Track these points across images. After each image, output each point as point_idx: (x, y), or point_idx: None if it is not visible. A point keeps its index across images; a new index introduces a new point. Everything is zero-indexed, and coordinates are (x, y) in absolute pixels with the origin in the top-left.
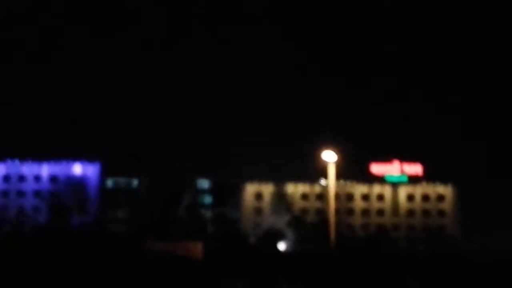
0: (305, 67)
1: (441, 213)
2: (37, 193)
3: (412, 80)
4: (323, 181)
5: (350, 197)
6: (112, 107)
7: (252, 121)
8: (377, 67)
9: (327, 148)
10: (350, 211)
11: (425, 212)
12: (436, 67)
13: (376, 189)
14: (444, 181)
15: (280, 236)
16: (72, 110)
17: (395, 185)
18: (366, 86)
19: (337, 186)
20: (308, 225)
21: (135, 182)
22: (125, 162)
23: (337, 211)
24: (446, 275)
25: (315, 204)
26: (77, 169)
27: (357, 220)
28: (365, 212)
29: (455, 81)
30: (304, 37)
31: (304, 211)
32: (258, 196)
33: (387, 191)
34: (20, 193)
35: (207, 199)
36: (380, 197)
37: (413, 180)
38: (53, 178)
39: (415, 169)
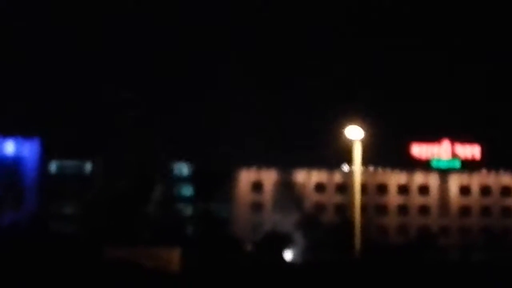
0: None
1: (507, 211)
2: None
3: (467, 37)
4: (345, 167)
5: (382, 188)
6: (57, 69)
7: (249, 88)
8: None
9: (351, 123)
10: (382, 208)
11: (485, 210)
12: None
13: (419, 178)
14: (510, 167)
15: (287, 242)
16: (2, 71)
17: (444, 173)
18: (405, 42)
19: (365, 173)
20: (325, 226)
21: (87, 167)
22: (74, 139)
23: (365, 207)
24: None
25: (334, 198)
26: (9, 147)
27: (392, 220)
28: (403, 209)
29: None
30: None
31: (319, 207)
32: (257, 186)
33: (433, 181)
34: None
35: (187, 190)
36: (424, 189)
37: (468, 166)
38: None
39: (472, 151)
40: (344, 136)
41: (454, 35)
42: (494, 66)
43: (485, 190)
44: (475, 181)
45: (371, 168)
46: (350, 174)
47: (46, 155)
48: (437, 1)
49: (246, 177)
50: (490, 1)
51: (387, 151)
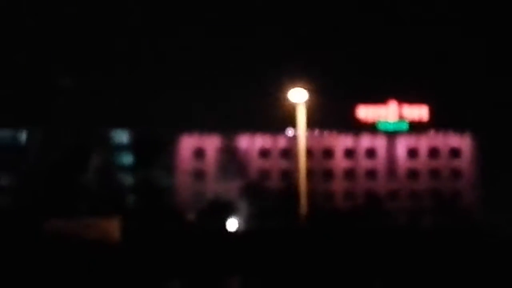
0: None
1: (455, 173)
2: None
3: None
4: (290, 131)
5: (328, 153)
6: None
7: (189, 49)
8: None
9: (295, 85)
10: (328, 173)
11: (433, 173)
12: None
13: (365, 141)
14: (458, 128)
15: (230, 210)
16: None
17: (391, 135)
18: (349, 2)
19: (310, 138)
20: (270, 193)
21: (22, 136)
22: (8, 108)
23: (310, 173)
24: (461, 259)
25: (279, 163)
26: None
27: (338, 185)
28: (350, 173)
29: None
30: None
31: (264, 173)
32: (199, 153)
33: (380, 143)
34: None
35: (126, 159)
36: (371, 153)
37: (416, 128)
38: None
39: (419, 112)
40: (288, 98)
41: None
42: (440, 26)
43: (434, 152)
44: (423, 143)
45: (316, 132)
46: (295, 139)
47: None
48: None
49: (187, 143)
50: None
51: (332, 113)
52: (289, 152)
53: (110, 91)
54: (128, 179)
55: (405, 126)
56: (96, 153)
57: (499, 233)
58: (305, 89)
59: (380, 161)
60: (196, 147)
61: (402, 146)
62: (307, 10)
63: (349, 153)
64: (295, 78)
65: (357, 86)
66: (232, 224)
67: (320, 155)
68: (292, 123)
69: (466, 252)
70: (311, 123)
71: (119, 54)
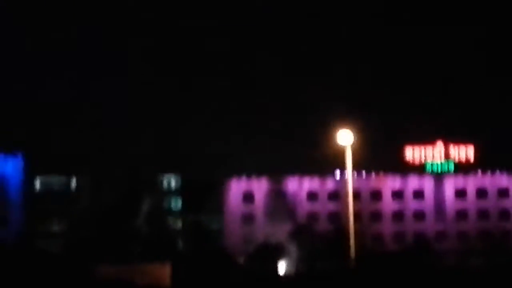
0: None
1: (505, 214)
2: None
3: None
4: (338, 174)
5: (376, 195)
6: (37, 81)
7: (236, 96)
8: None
9: (342, 127)
10: (377, 215)
11: (482, 214)
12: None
13: (413, 182)
14: (506, 168)
15: (280, 253)
16: None
17: (438, 176)
18: (394, 45)
19: (358, 179)
20: (318, 235)
21: (73, 182)
22: (59, 155)
23: (359, 215)
24: None
25: (328, 206)
26: None
27: (387, 227)
28: (398, 215)
29: None
30: None
31: (313, 216)
32: (248, 197)
33: (427, 185)
34: None
35: (176, 203)
36: (418, 194)
37: (463, 168)
38: None
39: (466, 152)
40: (336, 141)
41: (443, 33)
42: (487, 67)
43: (481, 193)
44: (471, 183)
45: (364, 174)
46: (342, 181)
47: (30, 172)
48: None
49: (236, 187)
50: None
51: (379, 155)
52: (337, 195)
53: (160, 136)
54: (177, 223)
55: (452, 167)
56: (146, 198)
57: None
58: (352, 131)
59: (428, 202)
60: (245, 191)
61: (449, 186)
62: (354, 53)
63: (397, 194)
64: (342, 120)
65: (404, 127)
66: (282, 267)
67: (368, 197)
68: (340, 166)
69: None
70: (359, 165)
71: (168, 99)
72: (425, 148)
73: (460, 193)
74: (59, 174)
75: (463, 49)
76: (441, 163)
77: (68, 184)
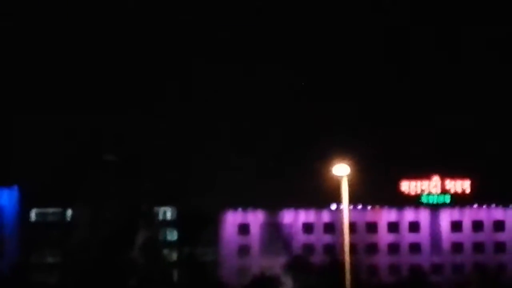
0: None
1: (500, 247)
2: None
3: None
4: (333, 206)
5: (372, 227)
6: (32, 111)
7: (230, 127)
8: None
9: (337, 160)
10: (373, 248)
11: (478, 246)
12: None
13: (409, 215)
14: (502, 201)
15: (275, 285)
16: None
17: (434, 208)
18: (388, 77)
19: (354, 212)
20: (314, 268)
21: (69, 214)
22: (54, 186)
23: (354, 247)
24: None
25: (323, 238)
26: None
27: (382, 259)
28: (394, 248)
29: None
30: None
31: (308, 248)
32: (243, 229)
33: (423, 217)
34: None
35: (172, 235)
36: (414, 227)
37: (459, 201)
38: None
39: (462, 185)
40: (331, 173)
41: (437, 66)
42: (482, 99)
43: (478, 225)
44: (467, 216)
45: (360, 206)
46: (338, 213)
47: (25, 203)
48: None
49: (232, 219)
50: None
51: (376, 188)
52: (333, 227)
53: (156, 168)
54: (173, 255)
55: (448, 199)
56: (142, 230)
57: None
58: (349, 163)
59: (424, 234)
60: (241, 223)
61: (445, 219)
62: (348, 85)
63: (393, 227)
64: (338, 154)
65: (400, 160)
66: None
67: (364, 229)
68: (336, 198)
69: None
70: (355, 198)
71: (162, 130)
72: (421, 181)
73: (456, 226)
74: (54, 206)
75: (457, 82)
76: (437, 196)
77: (63, 215)
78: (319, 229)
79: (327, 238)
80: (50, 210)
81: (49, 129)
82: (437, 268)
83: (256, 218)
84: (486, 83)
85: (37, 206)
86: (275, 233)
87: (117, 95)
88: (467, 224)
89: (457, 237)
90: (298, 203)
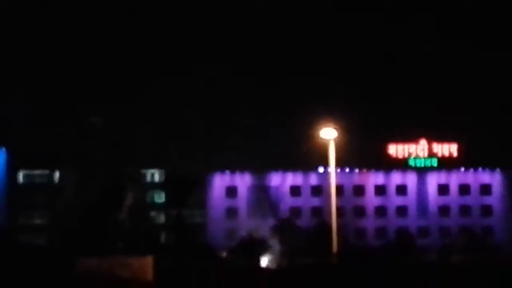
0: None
1: (487, 210)
2: None
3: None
4: (321, 169)
5: (359, 190)
6: (19, 74)
7: (219, 91)
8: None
9: (325, 124)
10: (360, 210)
11: (464, 210)
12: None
13: (396, 178)
14: (490, 165)
15: (262, 247)
16: None
17: (421, 172)
18: (378, 42)
19: (341, 175)
20: (301, 230)
21: (56, 176)
22: (42, 148)
23: (342, 210)
24: None
25: (310, 201)
26: None
27: (370, 222)
28: (381, 211)
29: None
30: None
31: (295, 211)
32: (231, 191)
33: (411, 180)
34: None
35: (159, 197)
36: (401, 190)
37: (446, 164)
38: None
39: (449, 149)
40: (319, 137)
41: (428, 32)
42: (469, 64)
43: (465, 189)
44: (454, 180)
45: (347, 170)
46: (326, 176)
47: (13, 165)
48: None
49: (219, 182)
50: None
51: (363, 151)
52: (320, 190)
53: (143, 130)
54: (161, 217)
55: (435, 163)
56: (129, 192)
57: None
58: (337, 127)
59: (411, 198)
60: (228, 185)
61: (432, 182)
62: (336, 50)
63: (380, 190)
64: (326, 117)
65: (388, 124)
66: (265, 262)
67: (351, 193)
68: (323, 162)
69: None
70: (342, 161)
71: (150, 93)
72: (408, 144)
73: (443, 189)
74: (41, 168)
75: (446, 47)
76: (424, 159)
77: (51, 178)
78: (306, 192)
79: (315, 201)
80: (38, 172)
81: (37, 92)
82: (424, 231)
83: (243, 181)
84: (470, 50)
85: (25, 168)
86: (262, 196)
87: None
88: (454, 188)
89: (444, 200)
90: (286, 166)
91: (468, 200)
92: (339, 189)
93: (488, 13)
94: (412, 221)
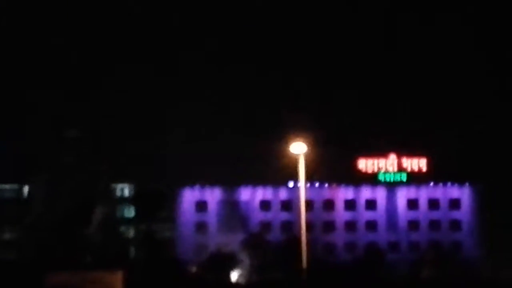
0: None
1: (455, 225)
2: None
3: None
4: (291, 184)
5: (329, 204)
6: None
7: (189, 105)
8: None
9: (295, 138)
10: (330, 225)
11: (433, 225)
12: None
13: (366, 193)
14: (459, 180)
15: (232, 262)
16: None
17: (391, 186)
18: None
19: (311, 189)
20: (271, 245)
21: (25, 190)
22: (12, 163)
23: (311, 225)
24: None
25: (280, 216)
26: None
27: (339, 237)
28: (350, 225)
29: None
30: None
31: (265, 226)
32: (201, 206)
33: (380, 195)
34: None
35: (129, 212)
36: (371, 204)
37: (416, 179)
38: None
39: (419, 164)
40: (289, 151)
41: (396, 47)
42: (438, 79)
43: (433, 204)
44: (423, 194)
45: (317, 184)
46: (295, 191)
47: None
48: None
49: (189, 196)
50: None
51: (333, 166)
52: (290, 205)
53: (113, 144)
54: (130, 232)
55: (404, 178)
56: (99, 206)
57: (499, 284)
58: (306, 142)
59: (380, 212)
60: (198, 200)
61: (402, 197)
62: (307, 62)
63: (350, 204)
64: (296, 131)
65: (357, 139)
66: (234, 277)
67: (321, 207)
68: (293, 176)
69: None
70: (312, 176)
71: (123, 107)
72: (378, 159)
73: (412, 204)
74: (10, 182)
75: (416, 61)
76: (393, 174)
77: (19, 192)
78: (276, 206)
79: (284, 216)
80: (7, 186)
81: (8, 103)
82: (393, 246)
83: (213, 196)
84: (444, 64)
85: None
86: (232, 211)
87: (79, 74)
88: (423, 202)
89: (413, 215)
90: (256, 181)
91: (437, 214)
92: (309, 203)
93: (455, 28)
94: (381, 236)
